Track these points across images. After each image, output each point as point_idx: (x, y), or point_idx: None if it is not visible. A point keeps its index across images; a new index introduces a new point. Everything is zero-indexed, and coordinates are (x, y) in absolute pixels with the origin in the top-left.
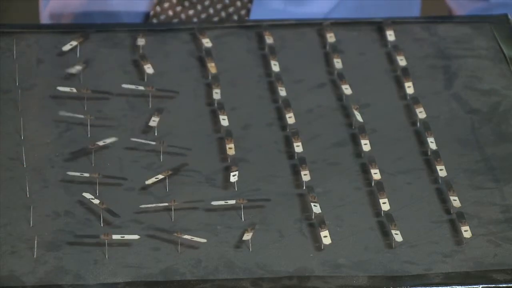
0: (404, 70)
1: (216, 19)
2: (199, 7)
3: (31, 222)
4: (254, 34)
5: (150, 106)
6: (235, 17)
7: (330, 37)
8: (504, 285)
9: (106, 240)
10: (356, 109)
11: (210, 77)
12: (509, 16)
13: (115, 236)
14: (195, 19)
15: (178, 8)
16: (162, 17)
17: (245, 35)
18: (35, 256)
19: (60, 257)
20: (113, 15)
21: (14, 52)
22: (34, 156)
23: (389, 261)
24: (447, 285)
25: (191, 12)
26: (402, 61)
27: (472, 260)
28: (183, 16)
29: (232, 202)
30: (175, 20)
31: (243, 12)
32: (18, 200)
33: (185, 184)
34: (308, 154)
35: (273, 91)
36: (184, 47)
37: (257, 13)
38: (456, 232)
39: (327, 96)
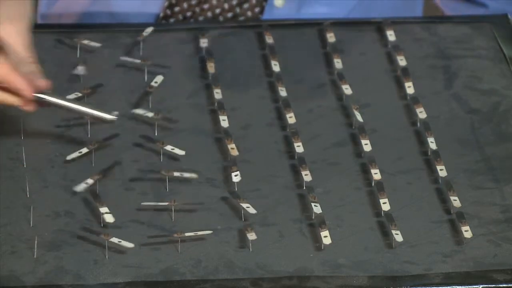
0: (404, 70)
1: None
2: (209, 14)
3: (31, 222)
4: (254, 34)
5: (150, 106)
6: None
7: (330, 37)
8: (504, 285)
9: (106, 240)
10: (356, 109)
11: (210, 77)
12: (509, 16)
13: (113, 239)
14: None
15: (189, 14)
16: (172, 20)
17: (245, 35)
18: (35, 256)
19: (60, 257)
20: (121, 16)
21: None
22: (34, 156)
23: (389, 261)
24: (447, 285)
25: (201, 18)
26: (402, 61)
27: (472, 260)
28: (192, 21)
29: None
30: None
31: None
32: (18, 200)
33: (185, 184)
34: (308, 154)
35: (273, 91)
36: (184, 47)
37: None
38: (456, 232)
39: (327, 96)
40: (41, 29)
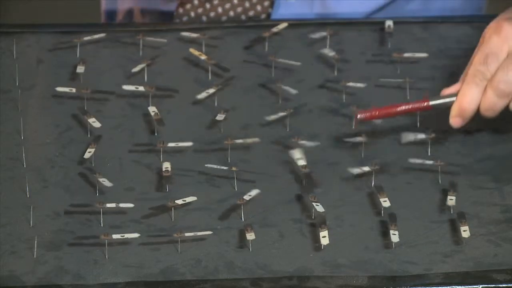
0: (404, 70)
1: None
2: (220, 9)
3: (31, 222)
4: (253, 34)
5: (150, 105)
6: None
7: (330, 37)
8: (504, 285)
9: (106, 240)
10: (355, 109)
11: (210, 77)
12: None
13: (114, 235)
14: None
15: (200, 10)
16: (185, 18)
17: (245, 35)
18: (35, 256)
19: (60, 257)
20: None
21: (14, 52)
22: (34, 156)
23: (389, 261)
24: (447, 285)
25: (212, 14)
26: (401, 61)
27: (472, 260)
28: (204, 18)
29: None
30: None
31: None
32: (18, 200)
33: (185, 184)
34: (308, 154)
35: (273, 91)
36: (183, 47)
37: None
38: (456, 232)
39: (327, 96)
40: (41, 29)
